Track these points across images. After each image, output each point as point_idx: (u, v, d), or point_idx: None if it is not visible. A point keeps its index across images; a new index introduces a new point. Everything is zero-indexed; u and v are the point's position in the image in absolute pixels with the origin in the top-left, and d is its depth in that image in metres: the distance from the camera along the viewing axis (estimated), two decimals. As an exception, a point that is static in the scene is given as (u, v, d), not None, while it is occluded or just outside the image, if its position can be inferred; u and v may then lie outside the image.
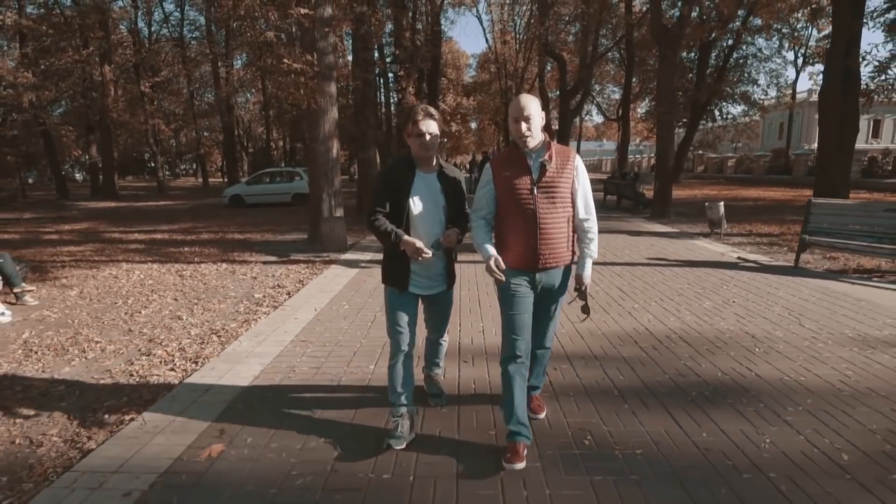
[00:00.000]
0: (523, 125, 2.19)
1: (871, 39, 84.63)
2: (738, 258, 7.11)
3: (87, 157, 36.55)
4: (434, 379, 2.94)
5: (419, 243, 2.30)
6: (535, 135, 2.23)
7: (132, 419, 2.81)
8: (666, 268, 6.55)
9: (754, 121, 38.39)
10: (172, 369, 3.53)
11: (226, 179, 45.32)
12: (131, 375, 3.46)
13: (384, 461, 2.35)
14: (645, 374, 3.28)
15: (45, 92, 21.76)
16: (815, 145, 31.38)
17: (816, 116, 30.04)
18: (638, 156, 53.40)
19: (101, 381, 3.37)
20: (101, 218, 14.97)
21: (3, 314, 4.85)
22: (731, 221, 10.33)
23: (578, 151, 42.07)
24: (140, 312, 5.00)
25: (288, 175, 19.21)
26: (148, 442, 2.55)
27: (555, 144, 2.31)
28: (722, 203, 9.03)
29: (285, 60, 7.56)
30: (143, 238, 10.44)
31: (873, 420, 2.67)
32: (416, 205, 2.38)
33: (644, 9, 21.63)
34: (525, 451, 2.30)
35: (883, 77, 14.62)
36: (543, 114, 2.25)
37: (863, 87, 13.99)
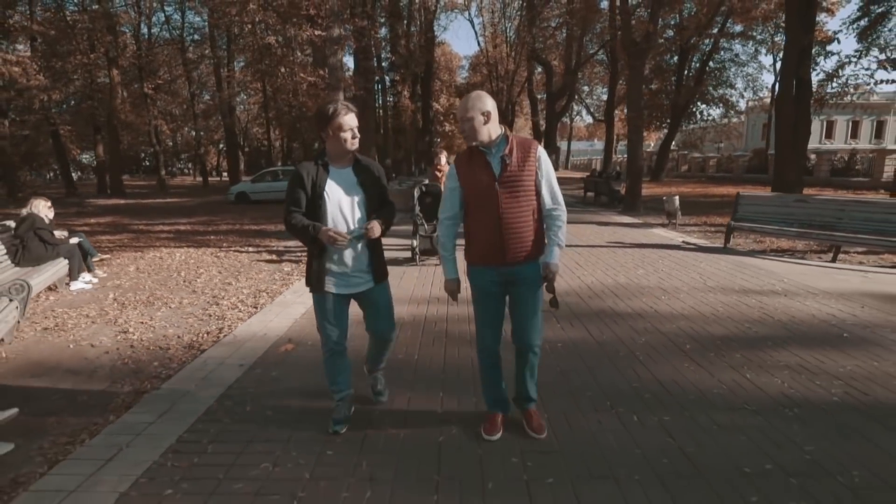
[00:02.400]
0: (463, 125, 2.28)
1: (848, 45, 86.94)
2: (683, 242, 8.53)
3: (86, 156, 37.68)
4: (375, 379, 2.89)
5: (333, 230, 2.26)
6: (481, 132, 2.25)
7: (225, 335, 4.14)
8: (619, 249, 7.95)
9: (736, 122, 40.10)
10: (240, 312, 4.87)
11: (223, 178, 46.46)
12: (210, 316, 4.78)
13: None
14: (577, 310, 4.65)
15: (55, 94, 22.88)
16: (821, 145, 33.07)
17: (823, 118, 31.51)
18: (625, 155, 55.02)
19: (190, 319, 4.70)
20: (118, 213, 16.14)
21: (88, 282, 6.15)
22: (692, 214, 11.77)
23: (568, 151, 43.71)
24: (195, 281, 6.30)
25: (290, 174, 20.45)
26: (242, 345, 3.88)
27: (516, 137, 2.32)
28: (677, 197, 10.45)
29: (301, 75, 8.88)
30: (168, 229, 11.71)
31: (723, 329, 4.05)
32: (330, 201, 2.33)
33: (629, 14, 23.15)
34: (501, 421, 2.56)
35: (832, 86, 16.11)
36: (489, 110, 2.25)
37: (814, 94, 15.53)
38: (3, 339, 3.99)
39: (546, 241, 2.41)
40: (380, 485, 2.18)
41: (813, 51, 20.77)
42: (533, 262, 2.37)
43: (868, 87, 15.72)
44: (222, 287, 5.93)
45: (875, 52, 15.65)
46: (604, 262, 6.83)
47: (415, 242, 6.87)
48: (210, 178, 44.45)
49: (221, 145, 45.31)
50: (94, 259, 6.61)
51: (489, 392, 2.59)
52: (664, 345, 3.76)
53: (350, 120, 2.30)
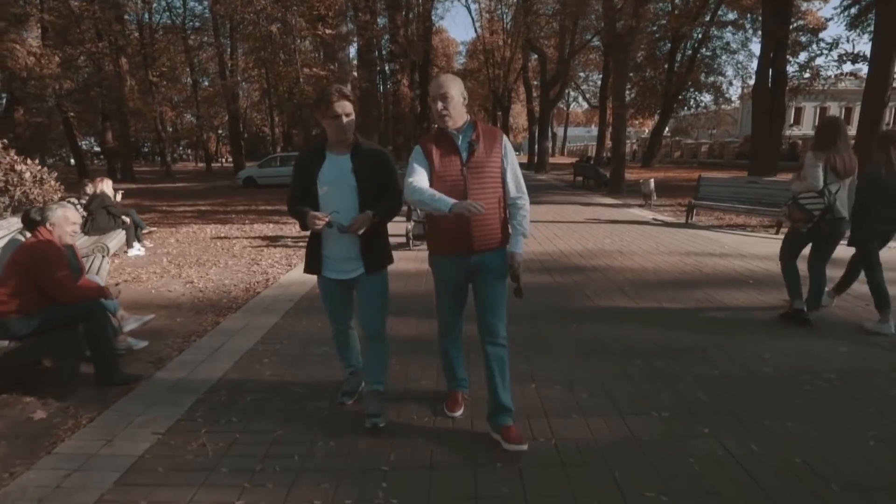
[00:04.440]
0: (440, 104, 2.19)
1: (837, 32, 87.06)
2: (653, 218, 9.69)
3: (85, 142, 38.45)
4: (371, 396, 2.53)
5: (313, 213, 2.25)
6: (454, 114, 2.21)
7: (272, 283, 5.30)
8: (595, 224, 9.12)
9: (730, 109, 41.00)
10: (278, 269, 6.02)
11: (223, 164, 47.28)
12: (254, 272, 5.94)
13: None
14: (548, 265, 5.82)
15: (66, 82, 23.77)
16: (788, 131, 34.17)
17: (793, 104, 32.45)
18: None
19: (239, 274, 5.85)
20: (136, 196, 17.19)
21: (140, 249, 7.28)
22: (669, 196, 12.92)
23: (564, 137, 44.48)
24: (232, 248, 7.45)
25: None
26: (287, 289, 5.05)
27: (481, 125, 2.31)
28: (652, 180, 11.60)
29: (314, 69, 9.91)
30: (191, 209, 12.81)
31: (657, 278, 5.22)
32: (322, 188, 2.32)
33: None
34: (462, 398, 2.69)
35: (806, 75, 17.15)
36: (465, 95, 2.25)
37: (789, 83, 16.61)
38: (100, 286, 5.14)
39: (510, 230, 2.40)
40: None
41: (804, 38, 21.88)
42: (498, 251, 2.34)
43: (832, 77, 16.75)
44: (257, 252, 7.08)
45: (844, 43, 16.66)
46: (578, 234, 7.99)
47: (409, 226, 7.01)
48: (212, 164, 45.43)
49: (220, 131, 46.00)
50: (144, 231, 7.73)
51: (450, 374, 2.67)
52: (608, 287, 4.95)
53: (341, 106, 2.25)
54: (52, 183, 7.16)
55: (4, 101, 25.25)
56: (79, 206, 6.88)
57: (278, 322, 4.08)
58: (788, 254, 4.08)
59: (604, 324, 3.93)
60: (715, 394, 2.81)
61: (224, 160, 51.13)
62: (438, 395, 2.81)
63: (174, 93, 36.59)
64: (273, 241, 8.03)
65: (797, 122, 43.71)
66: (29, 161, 6.99)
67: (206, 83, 35.54)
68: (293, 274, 5.67)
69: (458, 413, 2.61)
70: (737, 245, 7.06)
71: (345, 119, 2.27)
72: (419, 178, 2.22)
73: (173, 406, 2.76)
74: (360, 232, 2.28)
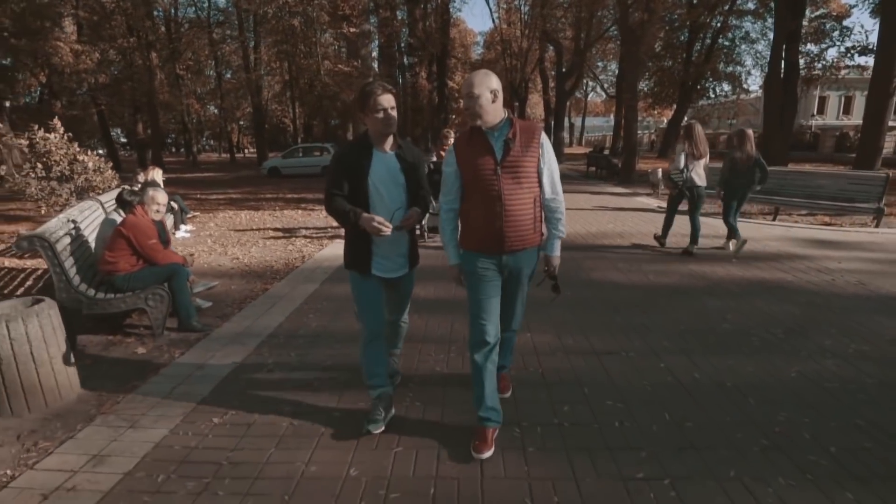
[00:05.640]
0: (470, 102, 2.14)
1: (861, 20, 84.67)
2: (658, 206, 10.20)
3: (117, 133, 39.91)
4: (391, 360, 2.84)
5: (378, 219, 2.22)
6: (486, 112, 2.15)
7: (307, 259, 6.06)
8: (602, 211, 9.70)
9: (752, 98, 40.58)
10: (312, 247, 6.78)
11: (245, 154, 48.50)
12: (291, 250, 6.70)
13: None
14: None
15: (101, 76, 24.93)
16: (811, 121, 33.94)
17: (816, 93, 32.15)
18: (640, 132, 55.65)
19: (278, 252, 6.62)
20: (168, 186, 18.19)
21: (186, 232, 8.12)
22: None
23: (582, 127, 44.37)
24: (267, 231, 8.24)
25: (318, 150, 22.30)
26: (322, 263, 5.79)
27: (519, 121, 2.23)
28: (660, 170, 12.06)
29: (339, 65, 10.61)
30: (223, 197, 13.70)
31: (648, 255, 5.83)
32: (375, 186, 2.30)
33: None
34: (494, 436, 2.31)
35: (818, 66, 17.29)
36: (497, 91, 2.16)
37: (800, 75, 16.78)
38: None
39: (545, 232, 2.37)
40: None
41: (828, 26, 21.85)
42: (531, 250, 2.33)
43: (845, 69, 16.86)
44: (291, 233, 7.85)
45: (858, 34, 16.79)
46: (584, 219, 8.60)
47: (423, 219, 7.54)
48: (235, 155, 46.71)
49: (241, 122, 47.13)
50: (188, 216, 8.57)
51: (482, 399, 2.33)
52: (602, 263, 5.59)
53: (387, 100, 2.25)
54: (109, 172, 8.04)
55: (38, 93, 26.62)
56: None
57: (318, 288, 4.82)
58: (669, 210, 6.43)
59: (595, 290, 4.58)
60: (677, 342, 3.46)
61: (245, 151, 52.38)
62: (452, 340, 3.52)
63: (198, 85, 37.82)
64: (303, 223, 8.80)
65: (821, 111, 43.08)
66: (90, 152, 7.87)
67: (229, 75, 36.58)
68: (325, 252, 6.42)
69: (487, 454, 2.24)
70: (731, 230, 7.60)
71: (390, 112, 2.27)
72: (448, 211, 2.35)
73: (243, 346, 3.51)
74: (411, 227, 2.39)
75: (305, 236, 7.68)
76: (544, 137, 2.25)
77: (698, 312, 4.03)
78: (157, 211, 3.94)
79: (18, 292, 4.89)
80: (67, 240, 3.66)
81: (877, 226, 7.66)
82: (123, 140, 44.40)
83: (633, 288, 4.70)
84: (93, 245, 4.15)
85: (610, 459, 2.21)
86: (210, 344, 3.56)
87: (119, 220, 4.08)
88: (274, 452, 2.30)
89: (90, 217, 4.39)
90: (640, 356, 3.25)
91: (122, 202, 4.04)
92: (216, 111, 38.71)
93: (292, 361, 3.26)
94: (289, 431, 2.47)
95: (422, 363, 3.21)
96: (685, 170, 5.91)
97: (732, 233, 6.11)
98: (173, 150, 58.00)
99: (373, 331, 2.49)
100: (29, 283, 5.23)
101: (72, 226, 3.85)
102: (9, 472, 2.21)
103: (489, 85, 2.14)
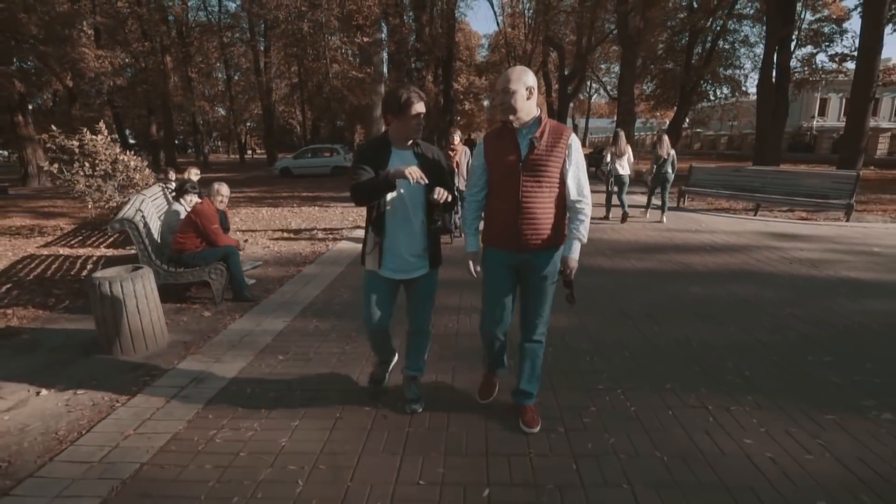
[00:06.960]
0: (506, 97, 2.16)
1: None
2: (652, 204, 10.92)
3: (127, 134, 40.93)
4: (413, 383, 2.73)
5: (399, 167, 2.22)
6: (519, 109, 2.17)
7: (330, 249, 6.82)
8: (597, 207, 10.40)
9: (752, 101, 41.10)
10: (334, 240, 7.55)
11: (254, 155, 49.47)
12: (315, 242, 7.47)
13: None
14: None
15: (118, 79, 25.86)
16: (812, 123, 34.47)
17: (817, 95, 32.76)
18: (643, 133, 56.41)
19: (303, 243, 7.39)
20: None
21: (216, 225, 8.91)
22: (674, 185, 14.06)
23: (586, 128, 44.89)
24: (290, 225, 9.02)
25: (328, 151, 23.11)
26: (343, 252, 6.56)
27: (550, 122, 2.25)
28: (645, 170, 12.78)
29: (353, 72, 11.39)
30: (240, 196, 14.50)
31: (634, 247, 6.56)
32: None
33: None
34: (496, 383, 2.82)
35: (805, 70, 17.95)
36: (532, 88, 2.18)
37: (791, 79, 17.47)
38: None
39: (567, 233, 2.35)
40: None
41: (826, 29, 22.47)
42: (548, 252, 2.32)
43: (834, 71, 17.51)
44: (312, 227, 8.63)
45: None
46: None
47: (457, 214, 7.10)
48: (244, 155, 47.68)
49: (249, 124, 48.05)
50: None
51: (489, 358, 2.71)
52: (593, 251, 6.33)
53: (421, 107, 2.34)
54: (147, 170, 8.84)
55: (52, 96, 27.59)
56: (169, 189, 8.53)
57: (344, 270, 5.59)
58: (608, 192, 8.81)
59: (581, 274, 5.32)
60: (647, 310, 4.20)
61: (253, 151, 53.37)
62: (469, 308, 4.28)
63: (208, 87, 38.79)
64: (321, 218, 9.59)
65: (822, 113, 43.62)
66: (129, 152, 8.68)
67: (237, 77, 37.50)
68: (345, 244, 7.19)
69: (489, 400, 2.71)
70: (712, 224, 8.33)
71: (422, 118, 2.37)
72: (473, 202, 2.43)
73: (288, 311, 4.28)
74: (443, 200, 2.24)
75: (326, 228, 8.46)
76: (573, 139, 2.24)
77: (670, 289, 4.77)
78: (221, 201, 4.72)
79: (82, 274, 5.69)
80: (141, 224, 4.44)
81: (847, 220, 8.37)
82: (132, 142, 45.50)
83: (616, 271, 5.46)
84: (155, 231, 4.93)
85: (580, 378, 2.97)
86: (262, 309, 4.33)
87: (181, 209, 4.87)
88: (327, 378, 3.06)
89: (149, 208, 5.18)
90: (613, 319, 4.00)
91: (180, 191, 4.84)
92: (224, 113, 39.67)
93: (332, 320, 4.02)
94: (338, 365, 3.24)
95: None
96: (609, 163, 8.58)
97: (662, 205, 8.62)
98: (184, 150, 59.23)
99: (371, 329, 2.57)
100: (90, 265, 6.03)
101: (140, 214, 4.63)
102: (133, 388, 2.98)
103: (526, 81, 2.18)
